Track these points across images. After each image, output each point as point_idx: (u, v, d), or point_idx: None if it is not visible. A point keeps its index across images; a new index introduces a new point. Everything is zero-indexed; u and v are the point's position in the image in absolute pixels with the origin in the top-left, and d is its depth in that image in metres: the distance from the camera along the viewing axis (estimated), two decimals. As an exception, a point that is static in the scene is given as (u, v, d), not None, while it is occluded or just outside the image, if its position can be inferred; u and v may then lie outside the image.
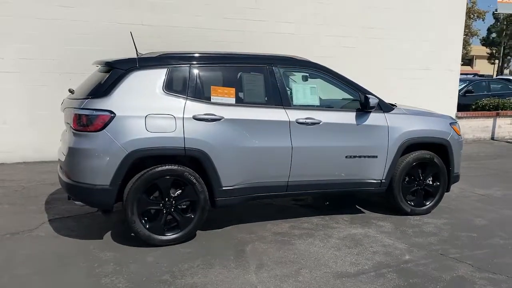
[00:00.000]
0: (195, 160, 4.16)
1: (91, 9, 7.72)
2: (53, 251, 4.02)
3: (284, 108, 4.48)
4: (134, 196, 3.98)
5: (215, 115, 4.19)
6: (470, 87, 15.65)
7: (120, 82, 4.03)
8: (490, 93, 15.59)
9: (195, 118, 4.13)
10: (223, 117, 4.20)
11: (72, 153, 3.97)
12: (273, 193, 4.58)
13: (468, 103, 12.91)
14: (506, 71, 49.03)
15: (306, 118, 4.51)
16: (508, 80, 19.82)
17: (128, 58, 4.24)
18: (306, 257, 3.97)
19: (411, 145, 5.00)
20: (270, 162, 4.44)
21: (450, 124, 5.30)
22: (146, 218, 4.09)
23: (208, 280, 3.50)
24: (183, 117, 4.09)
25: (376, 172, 4.88)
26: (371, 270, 3.74)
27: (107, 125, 3.90)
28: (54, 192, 5.86)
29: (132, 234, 4.19)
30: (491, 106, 12.27)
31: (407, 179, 5.10)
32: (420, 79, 10.40)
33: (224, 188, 4.26)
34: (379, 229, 4.71)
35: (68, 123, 4.11)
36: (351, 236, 4.49)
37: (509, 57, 49.58)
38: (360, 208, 5.41)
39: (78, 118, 3.94)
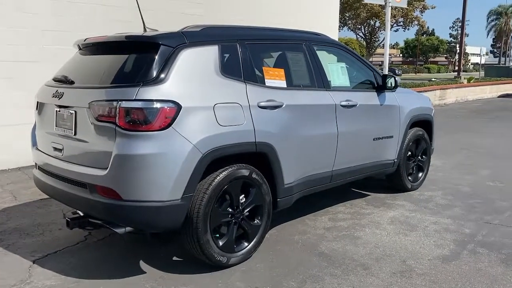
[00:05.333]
0: (261, 156, 3.45)
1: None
2: (104, 302, 2.88)
3: (326, 90, 4.06)
4: (206, 209, 3.09)
5: (276, 101, 3.54)
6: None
7: (173, 63, 3.05)
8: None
9: (260, 106, 3.42)
10: (283, 103, 3.58)
11: (125, 162, 2.85)
12: (320, 186, 4.12)
13: None
14: None
15: (347, 101, 4.17)
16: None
17: (172, 32, 3.24)
18: (391, 248, 3.68)
19: (413, 123, 5.10)
20: (321, 151, 3.99)
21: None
22: (217, 235, 3.24)
23: (340, 294, 2.97)
24: (249, 106, 3.34)
25: (392, 152, 4.84)
26: (461, 249, 3.67)
27: (174, 120, 2.92)
28: (-14, 223, 4.24)
29: (174, 258, 3.39)
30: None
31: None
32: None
33: (285, 186, 3.66)
34: (405, 208, 4.69)
35: (105, 121, 2.91)
36: (395, 219, 4.35)
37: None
38: (358, 191, 5.32)
39: (128, 113, 2.84)
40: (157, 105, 2.88)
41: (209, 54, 3.27)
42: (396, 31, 47.67)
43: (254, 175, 3.37)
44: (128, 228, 3.06)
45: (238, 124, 3.24)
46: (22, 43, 6.38)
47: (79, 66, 3.51)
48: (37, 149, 3.70)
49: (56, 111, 3.34)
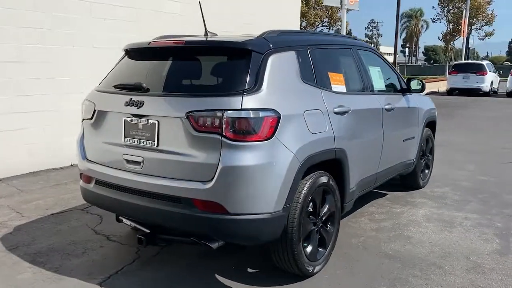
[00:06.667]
0: (335, 162, 3.44)
1: None
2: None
3: (373, 94, 4.15)
4: (300, 219, 3.03)
5: (344, 106, 3.55)
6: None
7: (264, 70, 2.95)
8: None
9: (334, 112, 3.41)
10: (350, 108, 3.60)
11: (233, 174, 2.70)
12: (367, 188, 4.19)
13: None
14: None
15: (388, 104, 4.29)
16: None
17: (256, 38, 3.10)
18: (447, 246, 3.85)
19: (426, 124, 5.35)
20: (372, 153, 4.07)
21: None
22: (305, 244, 3.19)
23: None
24: (327, 112, 3.32)
25: (413, 152, 5.05)
26: (506, 242, 3.94)
27: (276, 129, 2.83)
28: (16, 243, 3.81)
29: (249, 269, 3.35)
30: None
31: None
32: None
33: (350, 190, 3.69)
34: (430, 206, 4.92)
35: (207, 131, 2.74)
36: (430, 217, 4.55)
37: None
38: (375, 190, 5.44)
39: (234, 124, 2.70)
40: (262, 114, 2.77)
41: (290, 60, 3.21)
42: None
43: (331, 182, 3.36)
44: (221, 242, 2.93)
45: (323, 131, 3.21)
46: (3, 42, 5.77)
47: (142, 71, 3.27)
48: (90, 161, 3.39)
49: (126, 120, 3.09)
